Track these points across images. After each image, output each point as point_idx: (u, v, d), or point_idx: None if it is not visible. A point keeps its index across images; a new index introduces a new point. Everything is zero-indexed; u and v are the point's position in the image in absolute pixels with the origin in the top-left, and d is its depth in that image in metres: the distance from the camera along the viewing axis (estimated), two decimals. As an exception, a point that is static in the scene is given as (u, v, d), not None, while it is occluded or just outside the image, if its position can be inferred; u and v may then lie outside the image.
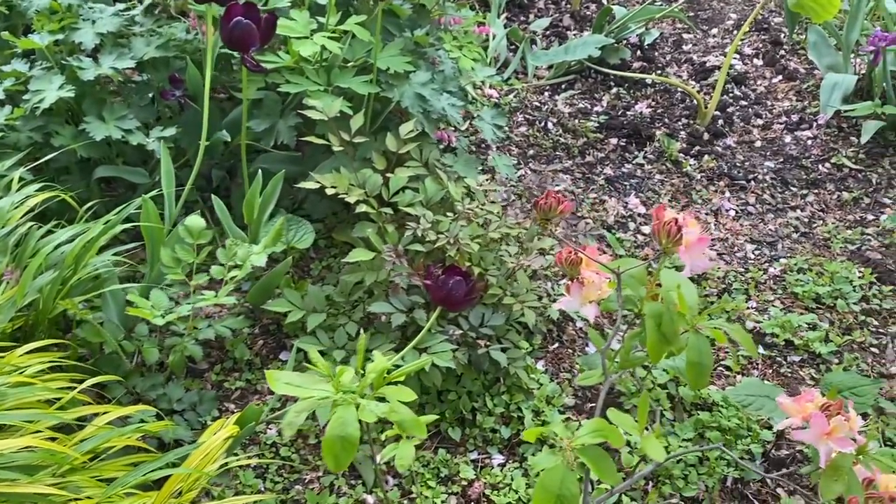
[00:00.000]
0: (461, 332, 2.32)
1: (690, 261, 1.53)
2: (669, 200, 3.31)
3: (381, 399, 1.59)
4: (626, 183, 3.38)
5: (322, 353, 2.42)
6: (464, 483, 2.18)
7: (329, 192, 2.31)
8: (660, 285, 1.67)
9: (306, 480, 2.20)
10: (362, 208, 2.38)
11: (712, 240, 3.08)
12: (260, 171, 2.46)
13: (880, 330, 2.71)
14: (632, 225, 3.15)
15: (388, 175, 2.50)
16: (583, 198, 3.28)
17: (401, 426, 1.58)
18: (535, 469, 1.53)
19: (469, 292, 1.83)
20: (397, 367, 1.91)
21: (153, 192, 2.33)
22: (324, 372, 1.60)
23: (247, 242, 2.18)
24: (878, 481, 1.38)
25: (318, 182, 2.34)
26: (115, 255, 2.25)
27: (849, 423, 1.52)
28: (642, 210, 3.22)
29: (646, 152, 3.57)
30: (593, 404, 2.42)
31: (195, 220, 2.09)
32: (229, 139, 2.74)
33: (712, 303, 2.76)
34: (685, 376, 2.04)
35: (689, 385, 1.70)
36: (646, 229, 3.12)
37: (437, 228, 2.40)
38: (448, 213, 2.46)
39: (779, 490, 2.18)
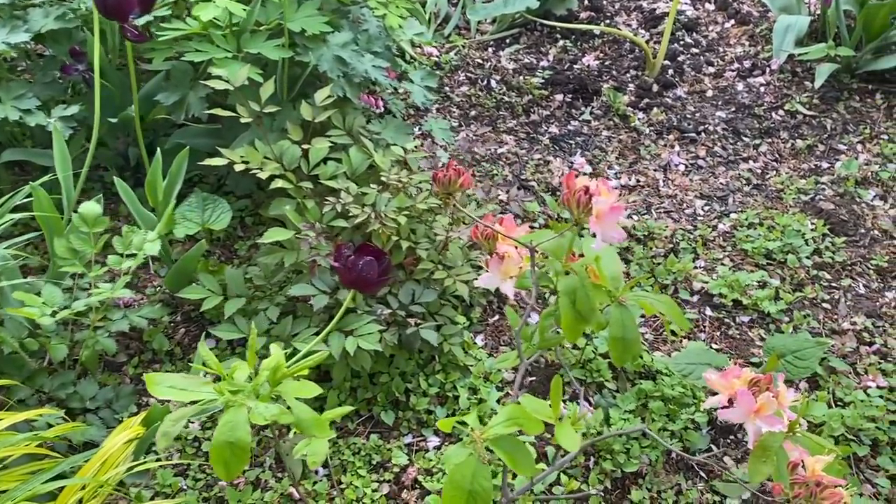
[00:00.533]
0: (390, 311, 2.19)
1: (602, 231, 1.40)
2: (617, 158, 3.17)
3: (280, 397, 1.47)
4: (571, 142, 3.24)
5: (240, 341, 2.28)
6: (396, 469, 2.07)
7: (238, 167, 2.15)
8: (583, 257, 1.55)
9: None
10: (278, 184, 2.22)
11: (660, 197, 2.96)
12: (159, 150, 2.29)
13: (832, 284, 2.61)
14: (578, 185, 3.01)
15: (308, 146, 2.34)
16: (527, 159, 3.13)
17: (299, 427, 1.46)
18: (447, 464, 1.41)
19: (383, 272, 1.70)
20: (313, 352, 1.79)
21: (48, 177, 2.16)
22: (215, 370, 1.47)
23: (152, 227, 2.02)
24: (806, 464, 1.28)
25: (228, 158, 2.17)
26: (10, 247, 2.08)
27: (778, 400, 1.42)
28: (588, 170, 3.08)
29: (592, 108, 3.42)
30: (534, 377, 2.31)
31: (90, 207, 1.93)
32: (142, 115, 2.56)
33: (659, 264, 2.65)
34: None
35: (614, 360, 1.59)
36: (592, 189, 2.98)
37: (363, 201, 2.25)
38: (375, 185, 2.31)
39: (727, 458, 2.10)
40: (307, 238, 2.12)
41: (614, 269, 1.63)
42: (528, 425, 1.44)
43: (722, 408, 1.44)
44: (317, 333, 2.16)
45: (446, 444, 2.13)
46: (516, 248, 1.61)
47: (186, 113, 2.44)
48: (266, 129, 2.37)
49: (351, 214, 2.18)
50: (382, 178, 2.29)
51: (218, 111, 2.20)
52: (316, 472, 2.09)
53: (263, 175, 2.18)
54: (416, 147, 2.48)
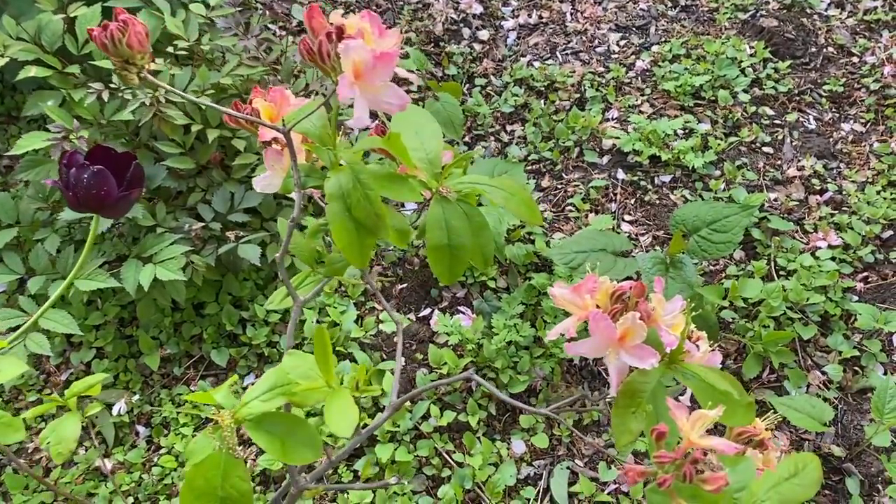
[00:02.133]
0: (202, 224, 1.70)
1: (364, 94, 0.89)
2: (514, -9, 2.57)
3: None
4: (458, -24, 2.62)
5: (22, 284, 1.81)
6: None
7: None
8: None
9: (30, 450, 1.66)
10: (31, 72, 1.67)
11: (566, 36, 2.39)
12: None
13: (775, 122, 2.11)
14: (466, 32, 2.44)
15: (74, 16, 1.76)
16: (402, 3, 2.53)
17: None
18: (189, 461, 0.97)
19: (131, 184, 1.19)
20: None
21: None
22: None
23: None
24: (681, 427, 0.84)
25: (-57, 46, 1.60)
26: None
27: (650, 319, 0.96)
28: (479, 10, 2.49)
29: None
30: (405, 284, 1.86)
31: None
32: None
33: (560, 121, 2.13)
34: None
35: (439, 278, 1.12)
36: (484, 35, 2.41)
37: (150, 85, 1.70)
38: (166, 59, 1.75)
39: (642, 358, 1.68)
40: (59, 142, 1.59)
41: (431, 146, 1.15)
42: (302, 395, 1.00)
43: (570, 340, 0.98)
44: (110, 263, 1.69)
45: (295, 380, 1.70)
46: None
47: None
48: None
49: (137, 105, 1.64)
50: (182, 45, 1.73)
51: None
52: (136, 434, 1.67)
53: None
54: (225, 3, 1.89)
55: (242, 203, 1.74)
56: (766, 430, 1.16)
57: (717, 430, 1.50)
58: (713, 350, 1.18)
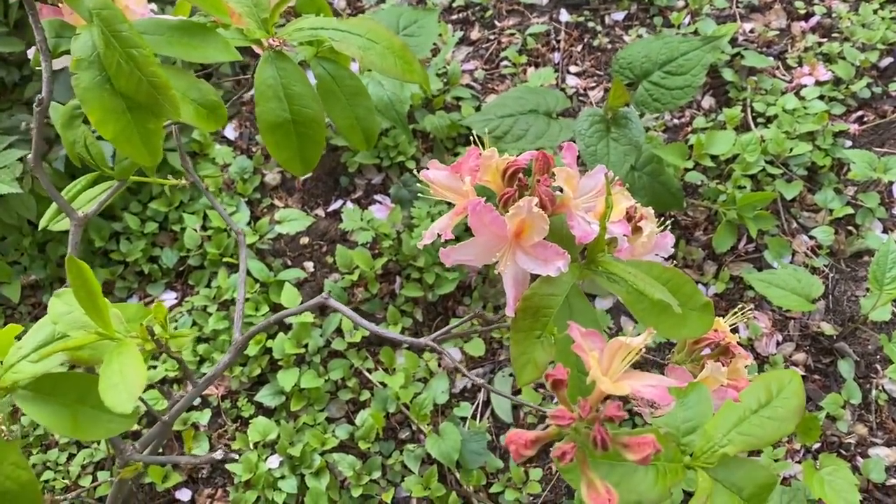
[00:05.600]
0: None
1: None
2: None
3: None
4: None
5: None
6: None
7: None
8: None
9: None
10: None
11: None
12: None
13: (750, -65, 1.73)
14: None
15: None
16: None
17: None
18: None
19: None
20: None
21: None
22: None
23: None
24: (588, 366, 0.55)
25: None
26: None
27: (559, 205, 0.67)
28: None
29: None
30: (308, 173, 1.55)
31: None
32: None
33: (488, -43, 1.74)
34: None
35: (291, 170, 0.84)
36: None
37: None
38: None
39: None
40: None
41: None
42: (89, 351, 0.73)
43: (448, 242, 0.69)
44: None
45: (186, 300, 1.42)
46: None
47: None
48: None
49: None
50: None
51: None
52: None
53: None
54: None
55: (91, 91, 1.39)
56: (735, 331, 0.89)
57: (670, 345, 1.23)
58: (663, 230, 0.89)
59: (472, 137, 1.40)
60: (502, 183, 0.70)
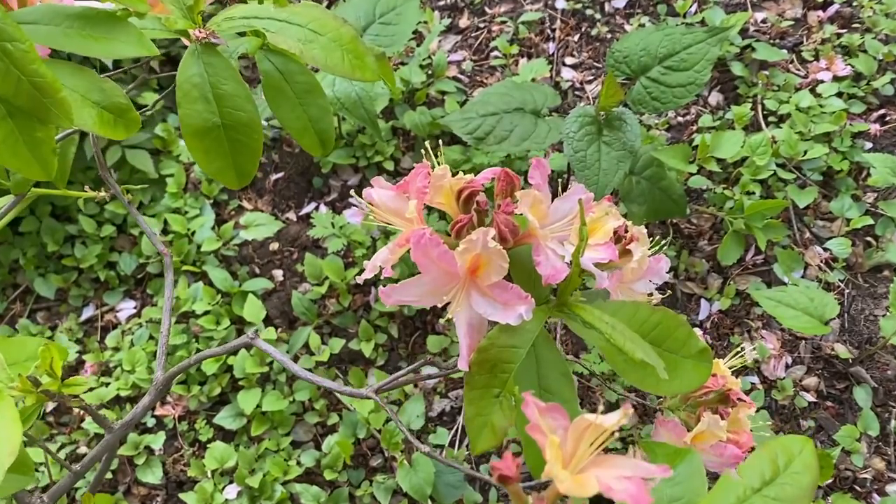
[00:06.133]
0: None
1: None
2: None
3: None
4: None
5: None
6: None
7: None
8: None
9: None
10: None
11: None
12: None
13: (764, -85, 1.59)
14: None
15: None
16: None
17: None
18: None
19: None
20: None
21: None
22: None
23: None
24: (543, 450, 0.44)
25: None
26: None
27: (524, 235, 0.56)
28: None
29: None
30: (280, 174, 1.43)
31: None
32: None
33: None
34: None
35: (224, 182, 0.73)
36: None
37: None
38: None
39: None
40: None
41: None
42: None
43: (386, 281, 0.57)
44: None
45: (147, 306, 1.32)
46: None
47: None
48: None
49: None
50: None
51: None
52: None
53: None
54: None
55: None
56: (737, 376, 0.77)
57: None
58: (657, 252, 0.78)
59: (455, 137, 1.28)
60: (457, 207, 0.58)
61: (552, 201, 0.60)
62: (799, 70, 1.44)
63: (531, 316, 0.53)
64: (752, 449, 0.68)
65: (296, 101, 0.83)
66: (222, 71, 0.70)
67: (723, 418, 0.69)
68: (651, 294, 0.82)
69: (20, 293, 1.38)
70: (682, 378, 0.60)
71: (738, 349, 0.75)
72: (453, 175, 0.59)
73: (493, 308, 0.55)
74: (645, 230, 0.78)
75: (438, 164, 0.63)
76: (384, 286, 0.56)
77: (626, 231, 0.78)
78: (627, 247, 0.76)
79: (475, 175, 0.60)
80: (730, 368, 0.73)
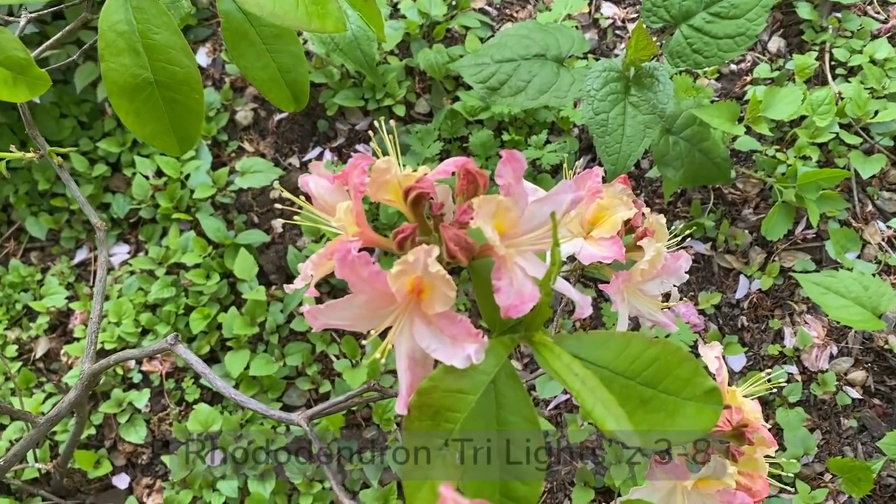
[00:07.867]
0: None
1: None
2: None
3: None
4: None
5: None
6: (48, 319, 1.23)
7: None
8: None
9: None
10: None
11: None
12: None
13: None
14: None
15: None
16: None
17: None
18: None
19: None
20: None
21: None
22: None
23: None
24: None
25: None
26: None
27: (483, 249, 0.44)
28: None
29: None
30: (283, 114, 1.32)
31: None
32: None
33: None
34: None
35: (163, 149, 0.63)
36: None
37: None
38: None
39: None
40: None
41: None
42: None
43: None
44: None
45: (141, 254, 1.24)
46: None
47: None
48: None
49: None
50: None
51: None
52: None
53: None
54: None
55: None
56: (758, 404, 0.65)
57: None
58: (678, 248, 0.66)
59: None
60: (406, 209, 0.47)
61: (531, 201, 0.47)
62: (878, 14, 1.25)
63: (481, 359, 0.42)
64: (769, 497, 0.57)
65: (262, 47, 0.71)
66: (154, 17, 0.58)
67: (735, 459, 0.58)
68: (667, 296, 0.69)
69: (14, 231, 1.32)
70: (684, 423, 0.49)
71: (763, 374, 0.62)
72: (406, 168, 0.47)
73: (438, 342, 0.44)
74: (663, 220, 0.66)
75: (391, 144, 0.52)
76: (307, 305, 0.45)
77: (642, 221, 0.66)
78: (639, 243, 0.64)
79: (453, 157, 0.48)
80: (748, 396, 0.61)
